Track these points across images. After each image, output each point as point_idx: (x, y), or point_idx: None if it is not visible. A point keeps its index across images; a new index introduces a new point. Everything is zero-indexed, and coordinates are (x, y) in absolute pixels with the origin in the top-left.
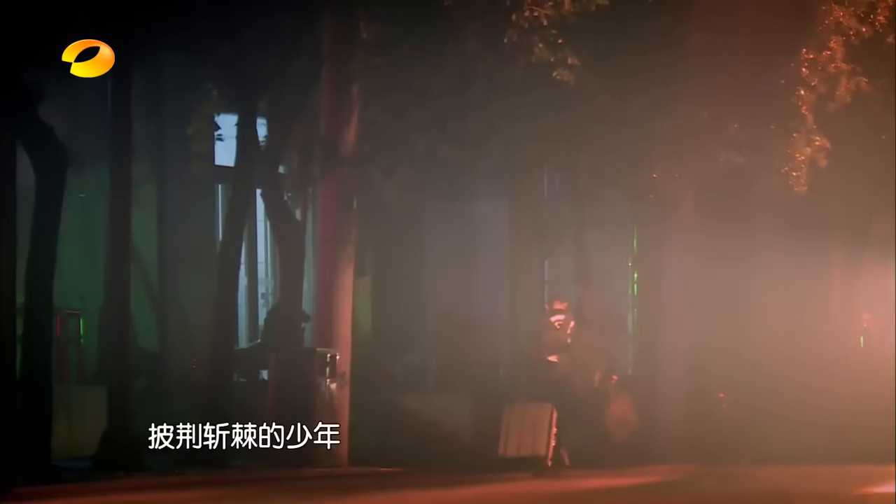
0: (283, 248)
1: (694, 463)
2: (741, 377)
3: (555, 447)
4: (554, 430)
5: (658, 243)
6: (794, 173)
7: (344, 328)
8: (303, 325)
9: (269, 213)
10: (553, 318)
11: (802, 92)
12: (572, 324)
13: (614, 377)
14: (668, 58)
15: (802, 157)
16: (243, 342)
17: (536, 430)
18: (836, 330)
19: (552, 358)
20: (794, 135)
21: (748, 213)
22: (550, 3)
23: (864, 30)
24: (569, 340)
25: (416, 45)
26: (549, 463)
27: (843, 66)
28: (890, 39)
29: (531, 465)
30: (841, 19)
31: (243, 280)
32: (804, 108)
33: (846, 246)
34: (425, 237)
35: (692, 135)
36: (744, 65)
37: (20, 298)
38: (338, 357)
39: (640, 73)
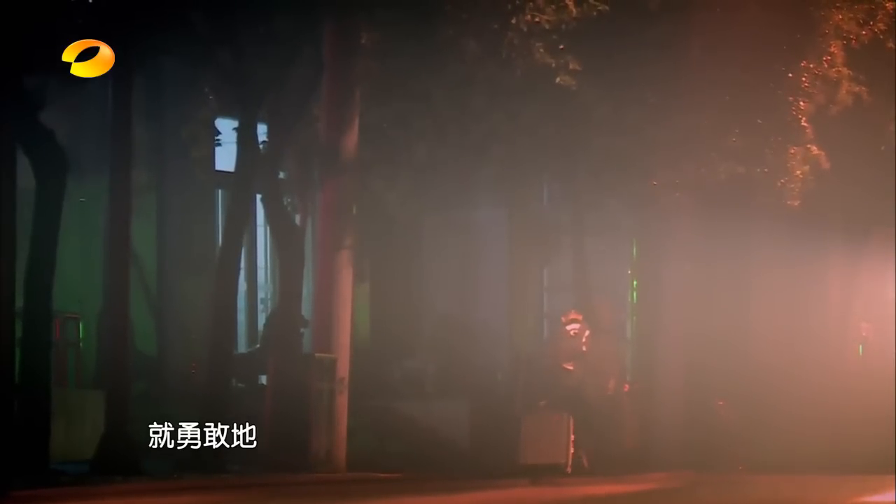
0: (283, 254)
1: (692, 470)
2: (740, 385)
3: (574, 454)
4: (572, 437)
5: (658, 251)
6: (791, 185)
7: (343, 334)
8: (302, 330)
9: (269, 218)
10: (568, 327)
11: (802, 103)
12: (587, 332)
13: (626, 386)
14: (668, 66)
15: (799, 172)
16: (242, 347)
17: (555, 437)
18: (834, 338)
19: (567, 365)
20: (793, 149)
21: (747, 223)
22: (552, 8)
23: (863, 32)
24: (584, 349)
25: (417, 51)
26: (569, 470)
27: (844, 70)
28: (890, 45)
29: (551, 473)
30: (840, 23)
31: (243, 285)
32: (803, 119)
33: (845, 255)
34: (425, 244)
35: (692, 144)
36: (744, 73)
37: (19, 301)
38: (337, 362)
39: (640, 82)
